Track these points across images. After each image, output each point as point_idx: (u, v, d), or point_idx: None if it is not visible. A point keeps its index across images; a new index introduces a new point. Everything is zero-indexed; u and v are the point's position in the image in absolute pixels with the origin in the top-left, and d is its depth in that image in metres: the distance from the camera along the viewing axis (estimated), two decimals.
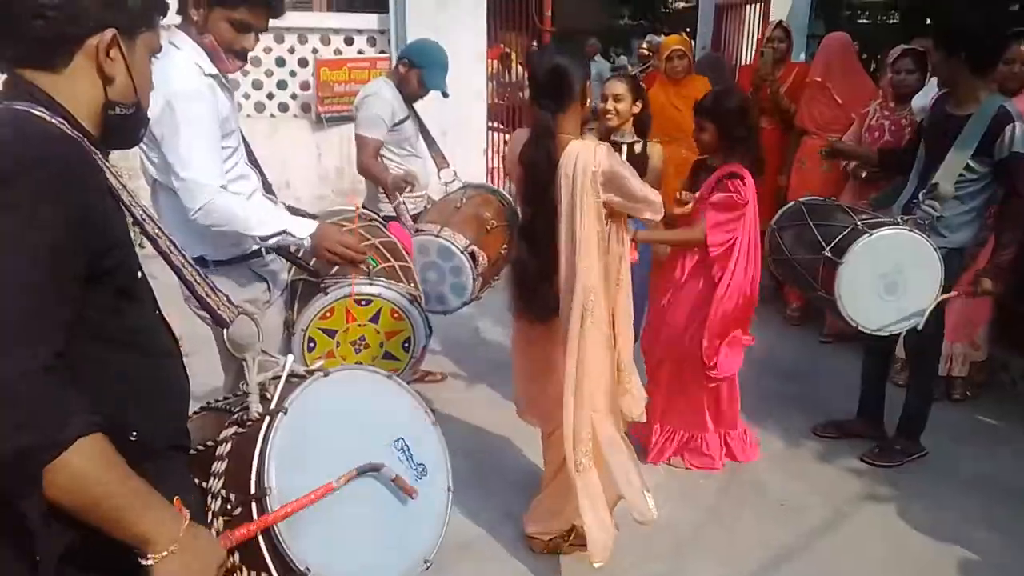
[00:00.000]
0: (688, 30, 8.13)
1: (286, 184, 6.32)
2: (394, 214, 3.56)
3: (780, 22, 5.33)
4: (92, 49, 1.16)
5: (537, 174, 2.34)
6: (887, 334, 3.07)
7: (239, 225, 2.10)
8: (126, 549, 1.06)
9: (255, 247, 2.31)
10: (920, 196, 3.07)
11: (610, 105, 3.44)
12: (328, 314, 2.50)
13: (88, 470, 0.99)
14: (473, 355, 4.55)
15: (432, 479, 1.42)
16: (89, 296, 1.08)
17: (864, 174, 4.22)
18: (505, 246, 3.98)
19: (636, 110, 3.49)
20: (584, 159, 2.28)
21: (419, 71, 3.53)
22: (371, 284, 2.54)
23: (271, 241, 2.18)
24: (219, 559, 1.16)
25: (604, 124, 3.52)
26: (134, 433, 1.13)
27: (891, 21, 10.29)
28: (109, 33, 1.16)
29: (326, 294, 2.49)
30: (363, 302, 2.52)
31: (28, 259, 0.99)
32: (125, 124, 1.24)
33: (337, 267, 2.55)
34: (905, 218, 3.03)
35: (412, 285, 2.71)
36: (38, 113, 1.10)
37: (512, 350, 2.77)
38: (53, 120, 1.11)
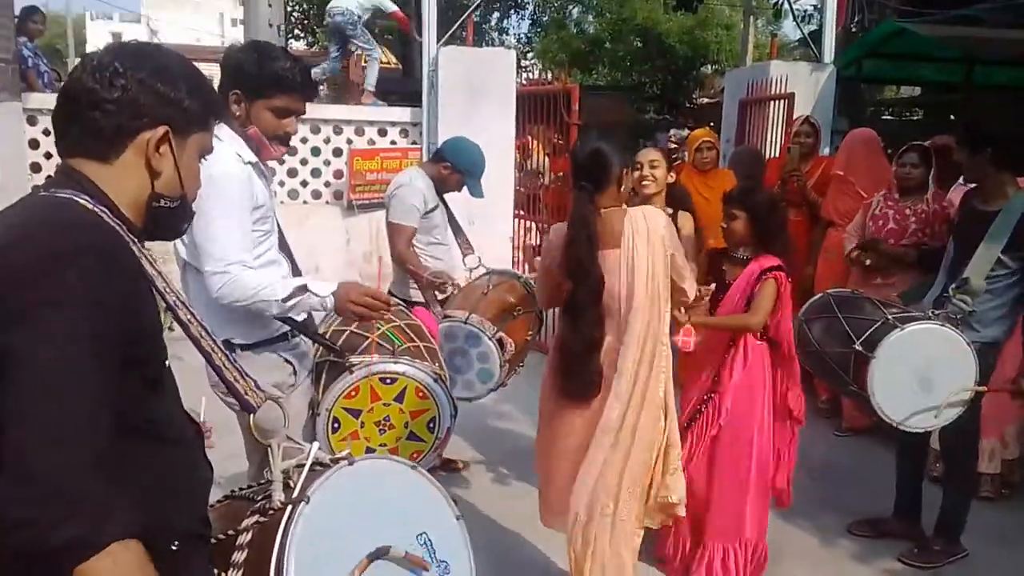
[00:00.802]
0: (712, 124, 8.31)
1: (315, 268, 6.43)
2: (420, 300, 3.60)
3: (807, 117, 5.43)
4: (143, 143, 1.20)
5: (580, 249, 2.43)
6: (921, 430, 2.99)
7: (260, 294, 2.11)
8: None
9: (282, 330, 2.32)
10: (951, 291, 3.04)
11: (647, 172, 3.42)
12: (353, 393, 2.49)
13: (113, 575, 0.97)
14: (498, 443, 4.49)
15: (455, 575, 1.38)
16: (123, 386, 1.08)
17: (868, 263, 4.27)
18: (531, 332, 3.99)
19: (671, 179, 3.52)
20: (652, 216, 2.50)
21: (460, 176, 3.65)
22: (396, 362, 2.55)
23: (291, 303, 2.15)
24: None
25: (641, 193, 3.50)
26: (176, 543, 1.12)
27: (915, 118, 10.44)
28: (161, 129, 1.20)
29: (351, 372, 2.49)
30: (388, 380, 2.52)
31: (69, 357, 1.00)
32: (169, 216, 1.27)
33: (363, 347, 2.56)
34: (937, 312, 2.99)
35: (437, 365, 2.70)
36: (81, 201, 1.13)
37: (546, 446, 2.71)
38: (95, 208, 1.14)
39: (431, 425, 2.65)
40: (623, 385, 2.49)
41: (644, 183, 3.46)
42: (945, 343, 2.87)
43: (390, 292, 3.75)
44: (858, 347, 2.91)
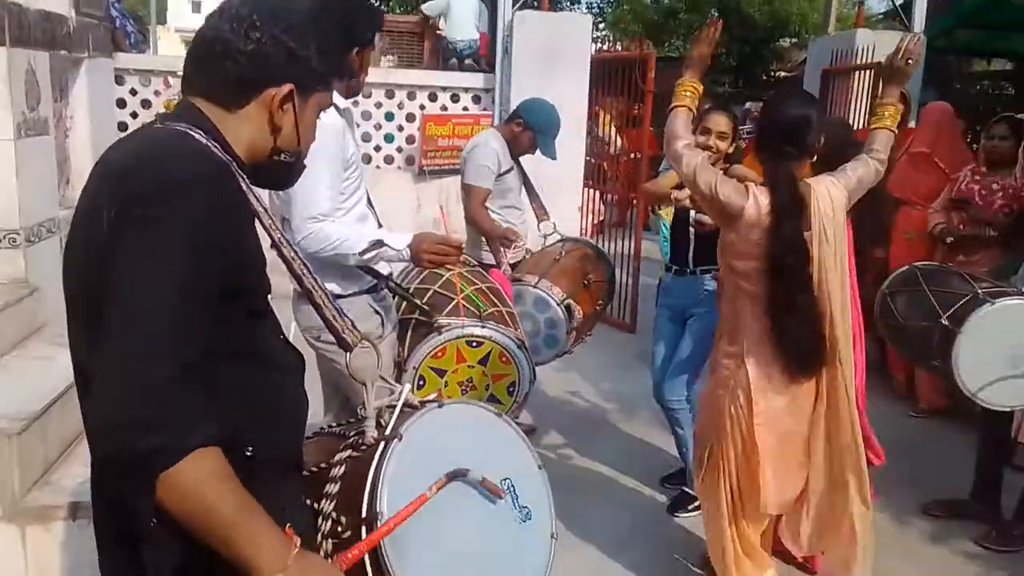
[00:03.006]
0: None
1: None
2: (493, 262, 3.61)
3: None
4: (268, 98, 1.23)
5: (794, 231, 2.28)
6: (1008, 409, 2.93)
7: (340, 246, 2.16)
8: (236, 572, 1.06)
9: (373, 282, 2.37)
10: None
11: (712, 142, 3.14)
12: (440, 353, 2.55)
13: (201, 481, 1.01)
14: (561, 409, 4.52)
15: (536, 523, 1.41)
16: (224, 312, 1.11)
17: (950, 240, 4.15)
18: (600, 302, 3.98)
19: (731, 150, 3.33)
20: (835, 196, 2.33)
21: (532, 134, 3.60)
22: (483, 327, 2.59)
23: (368, 255, 2.21)
24: None
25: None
26: (250, 448, 1.16)
27: (1006, 92, 9.94)
28: (287, 87, 1.23)
29: (440, 333, 2.54)
30: (474, 343, 2.57)
31: (169, 272, 1.03)
32: (284, 170, 1.32)
33: (450, 308, 2.60)
34: None
35: (520, 331, 2.74)
36: (193, 134, 1.17)
37: (760, 438, 2.46)
38: (207, 142, 1.17)
39: (511, 389, 2.69)
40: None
41: (708, 151, 3.11)
42: None
43: (465, 253, 3.78)
44: (944, 321, 2.85)
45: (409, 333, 2.64)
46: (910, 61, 2.54)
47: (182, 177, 1.09)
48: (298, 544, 1.11)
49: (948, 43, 7.56)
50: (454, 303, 2.65)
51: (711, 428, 2.58)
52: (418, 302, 2.61)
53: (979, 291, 2.87)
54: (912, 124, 5.28)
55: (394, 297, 2.54)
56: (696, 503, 3.28)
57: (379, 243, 2.21)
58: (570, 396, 4.70)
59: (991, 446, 3.40)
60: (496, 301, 2.74)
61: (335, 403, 2.52)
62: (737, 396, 2.45)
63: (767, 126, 2.42)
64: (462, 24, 7.80)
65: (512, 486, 1.38)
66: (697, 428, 2.76)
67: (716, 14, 18.71)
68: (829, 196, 2.32)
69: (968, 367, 2.80)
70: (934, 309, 2.92)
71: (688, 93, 2.46)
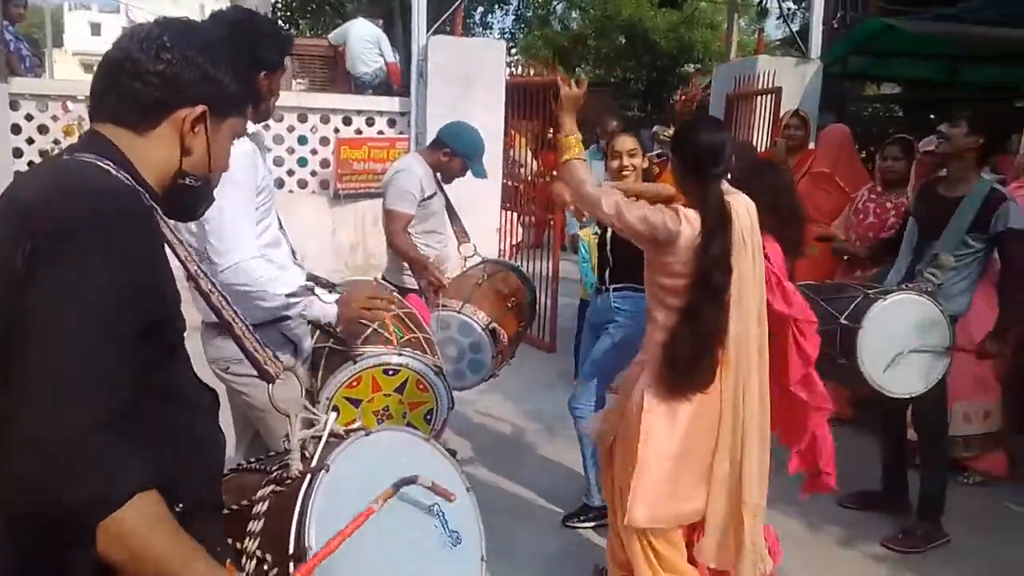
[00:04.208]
0: None
1: (301, 258, 6.41)
2: (413, 287, 3.58)
3: (797, 111, 5.47)
4: (180, 119, 1.20)
5: (724, 243, 2.34)
6: (905, 397, 3.19)
7: (266, 284, 2.10)
8: None
9: (280, 312, 2.31)
10: (922, 266, 3.31)
11: (626, 161, 3.24)
12: (355, 383, 2.49)
13: (140, 527, 0.98)
14: (484, 432, 4.51)
15: (466, 547, 1.40)
16: (143, 350, 1.07)
17: (846, 256, 4.43)
18: (523, 323, 4.00)
19: (645, 165, 3.43)
20: (752, 210, 2.46)
21: (462, 160, 3.61)
22: (400, 354, 2.55)
23: (294, 300, 2.15)
24: None
25: (620, 181, 3.31)
26: (179, 505, 1.12)
27: (896, 114, 10.57)
28: (200, 108, 1.20)
29: (355, 363, 2.48)
30: (390, 371, 2.52)
31: (89, 314, 0.99)
32: (190, 195, 1.27)
33: (365, 336, 2.56)
34: (909, 285, 3.23)
35: (437, 357, 2.71)
36: (103, 165, 1.12)
37: (668, 444, 2.45)
38: (118, 173, 1.13)
39: (428, 417, 2.65)
40: (749, 372, 2.46)
41: (624, 172, 3.32)
42: (923, 312, 3.12)
43: (383, 278, 3.74)
44: (844, 321, 3.09)
45: (323, 363, 2.57)
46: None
47: (97, 211, 1.05)
48: None
49: (843, 68, 7.98)
50: (369, 330, 2.61)
51: (610, 431, 2.62)
52: (333, 331, 2.55)
53: (869, 292, 3.16)
54: (812, 146, 5.54)
55: (307, 325, 2.48)
56: (591, 514, 3.43)
57: (310, 291, 2.16)
58: (493, 418, 4.70)
59: (891, 443, 3.68)
60: (413, 327, 2.71)
61: (247, 438, 2.44)
62: (637, 402, 2.48)
63: (688, 153, 2.48)
64: (362, 57, 7.78)
65: (441, 511, 1.37)
66: (600, 425, 2.77)
67: (624, 40, 19.35)
68: (747, 210, 2.46)
69: (870, 360, 3.06)
70: (830, 314, 3.14)
71: (573, 145, 2.55)
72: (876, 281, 3.59)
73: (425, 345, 2.70)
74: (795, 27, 9.11)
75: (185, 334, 1.23)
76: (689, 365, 2.37)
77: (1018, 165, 4.06)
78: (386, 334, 2.59)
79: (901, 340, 3.09)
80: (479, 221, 6.43)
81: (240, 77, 1.26)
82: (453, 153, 3.60)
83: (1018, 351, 3.89)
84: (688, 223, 2.39)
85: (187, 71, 1.18)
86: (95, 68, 1.23)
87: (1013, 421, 4.06)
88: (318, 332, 2.59)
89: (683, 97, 5.11)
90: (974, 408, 3.94)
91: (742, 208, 2.44)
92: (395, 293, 2.99)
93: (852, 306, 3.13)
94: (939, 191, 3.41)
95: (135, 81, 1.16)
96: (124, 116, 1.18)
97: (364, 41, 7.76)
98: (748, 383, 2.45)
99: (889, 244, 3.85)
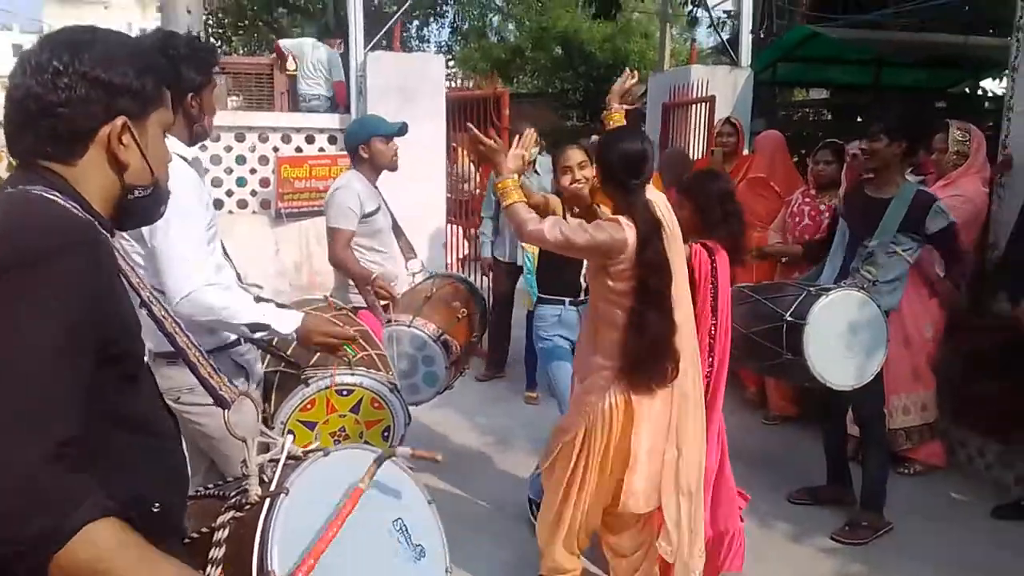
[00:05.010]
0: None
1: (244, 278, 6.31)
2: (362, 304, 3.55)
3: (729, 118, 5.62)
4: (104, 139, 1.16)
5: (658, 246, 2.50)
6: (848, 388, 3.30)
7: (221, 314, 2.07)
8: None
9: (233, 337, 2.28)
10: (857, 264, 3.46)
11: (578, 175, 3.20)
12: (309, 406, 2.47)
13: (99, 556, 0.96)
14: (438, 447, 4.49)
15: (430, 560, 1.41)
16: (100, 380, 1.07)
17: (785, 259, 4.63)
18: (475, 334, 4.02)
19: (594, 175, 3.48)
20: (663, 200, 2.64)
21: (378, 139, 3.53)
22: (352, 374, 2.53)
23: (254, 333, 2.15)
24: None
25: (572, 193, 3.30)
26: (152, 520, 1.11)
27: (825, 119, 10.90)
28: (119, 121, 1.17)
29: (307, 385, 2.45)
30: (344, 392, 2.50)
31: (41, 346, 0.98)
32: (145, 205, 1.25)
33: (316, 357, 2.54)
34: (848, 283, 3.39)
35: (391, 374, 2.70)
36: (51, 197, 1.10)
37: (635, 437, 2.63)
38: (67, 204, 1.11)
39: (385, 434, 2.65)
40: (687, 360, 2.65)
41: (576, 184, 3.26)
42: (862, 307, 3.27)
43: (332, 297, 3.71)
44: (789, 318, 3.21)
45: (275, 387, 2.55)
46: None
47: (49, 243, 1.03)
48: None
49: (772, 75, 8.22)
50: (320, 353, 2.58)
51: (577, 426, 2.68)
52: (283, 354, 2.52)
53: (811, 290, 3.29)
54: (747, 152, 5.70)
55: (257, 350, 2.46)
56: None
57: (266, 326, 2.13)
58: (446, 433, 4.69)
59: (834, 438, 3.79)
60: (365, 345, 2.70)
61: (201, 468, 2.40)
62: (615, 404, 2.60)
63: (614, 163, 2.58)
64: (312, 79, 7.66)
65: (404, 526, 1.38)
66: (563, 422, 2.82)
67: (560, 51, 19.59)
68: (665, 204, 2.66)
69: (817, 354, 3.18)
70: (775, 312, 3.28)
71: (511, 188, 2.68)
72: (810, 280, 3.72)
73: (378, 362, 2.69)
74: (725, 36, 9.33)
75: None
76: (656, 362, 2.53)
77: (940, 164, 4.24)
78: (338, 353, 2.58)
79: (843, 335, 3.22)
80: (425, 236, 6.45)
81: (147, 70, 1.21)
82: (367, 142, 3.52)
83: (948, 342, 4.08)
84: (631, 228, 2.51)
85: (91, 90, 1.13)
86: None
87: (948, 412, 4.23)
88: (268, 357, 2.56)
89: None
90: (912, 400, 4.09)
91: (661, 204, 2.63)
92: (348, 311, 2.98)
93: (796, 303, 3.25)
94: (868, 193, 3.56)
95: (45, 118, 1.12)
96: (50, 152, 1.15)
97: (318, 63, 7.65)
98: (686, 370, 2.63)
99: (822, 244, 4.00)
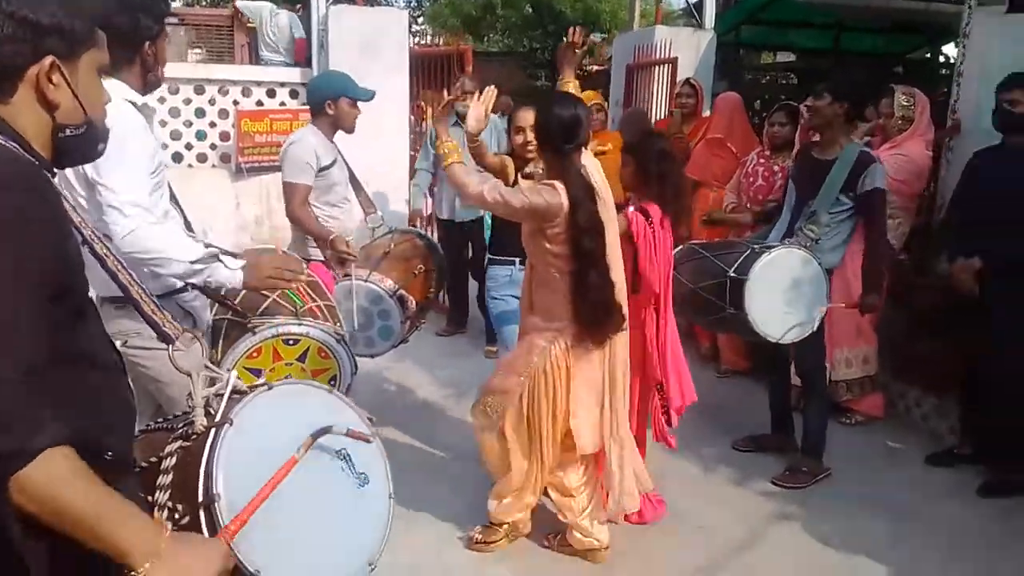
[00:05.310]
0: (601, 90, 8.52)
1: (204, 233, 6.22)
2: (319, 258, 3.57)
3: (688, 79, 5.68)
4: (32, 78, 1.17)
5: (591, 209, 2.59)
6: (787, 342, 3.44)
7: (167, 251, 2.07)
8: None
9: (180, 284, 2.30)
10: (801, 223, 3.54)
11: (529, 136, 3.21)
12: (255, 354, 2.51)
13: (55, 480, 1.01)
14: (398, 400, 4.58)
15: (374, 486, 1.49)
16: (54, 313, 1.11)
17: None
18: (432, 290, 4.08)
19: None
20: (596, 164, 2.73)
21: (343, 99, 3.53)
22: (299, 324, 2.57)
23: (199, 267, 2.12)
24: (216, 562, 1.16)
25: (525, 155, 3.40)
26: (109, 453, 1.16)
27: (790, 82, 11.00)
28: (48, 61, 1.17)
29: (254, 334, 2.49)
30: (291, 341, 2.55)
31: (2, 276, 1.02)
32: (79, 143, 1.26)
33: (264, 307, 2.58)
34: (790, 241, 3.50)
35: (338, 324, 2.75)
36: None
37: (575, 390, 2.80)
38: (7, 143, 1.14)
39: (332, 382, 2.70)
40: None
41: (529, 147, 3.31)
42: (804, 264, 3.38)
43: (289, 252, 3.73)
44: (732, 274, 3.33)
45: (222, 335, 2.58)
46: (576, 50, 3.04)
47: None
48: (169, 528, 1.12)
49: (736, 38, 8.29)
50: (268, 301, 2.61)
51: (519, 386, 2.81)
52: (230, 303, 2.54)
53: (755, 247, 3.40)
54: (708, 113, 5.78)
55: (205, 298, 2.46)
56: None
57: (214, 256, 2.12)
58: (406, 386, 4.77)
59: (777, 389, 3.97)
60: (314, 295, 2.73)
61: (149, 410, 2.44)
62: (555, 363, 2.74)
63: (549, 128, 2.65)
64: (272, 44, 7.47)
65: (348, 455, 1.45)
66: (500, 381, 2.92)
67: (531, 9, 19.37)
68: (596, 168, 2.74)
69: (757, 309, 3.31)
70: (720, 268, 3.40)
71: (450, 150, 2.77)
72: (762, 239, 3.83)
73: (327, 312, 2.74)
74: None
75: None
76: (609, 315, 2.68)
77: (886, 128, 4.37)
78: (286, 304, 2.61)
79: (784, 291, 3.34)
80: (388, 191, 6.45)
81: (78, 9, 1.21)
82: (332, 99, 3.52)
83: (890, 300, 4.23)
84: (563, 193, 2.60)
85: (16, 29, 1.13)
86: None
87: (889, 367, 4.41)
88: (216, 305, 2.58)
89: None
90: (854, 354, 4.26)
91: (593, 168, 2.71)
92: (300, 260, 3.00)
93: (740, 260, 3.37)
94: (813, 154, 3.66)
95: None
96: None
97: (278, 30, 7.46)
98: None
99: (771, 210, 4.14)
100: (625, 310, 2.78)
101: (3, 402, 0.98)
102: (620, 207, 3.29)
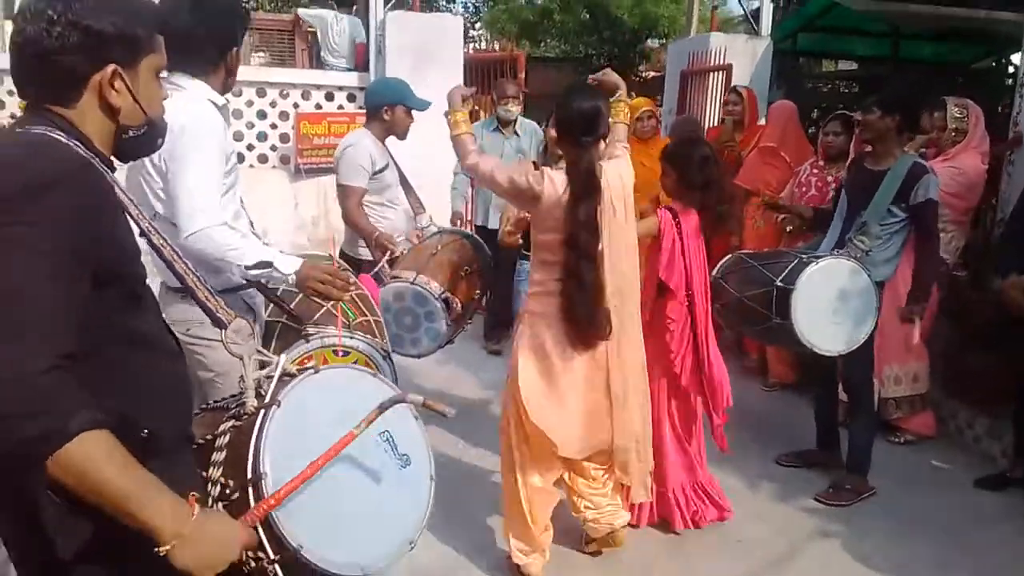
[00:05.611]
0: (657, 97, 8.51)
1: (264, 233, 6.39)
2: (370, 258, 3.68)
3: (735, 87, 5.66)
4: (96, 84, 1.25)
5: (590, 205, 2.59)
6: (835, 354, 3.41)
7: (227, 254, 2.15)
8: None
9: (240, 281, 2.39)
10: (852, 234, 3.47)
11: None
12: (306, 360, 2.54)
13: (88, 460, 1.07)
14: (443, 402, 4.61)
15: (415, 468, 1.55)
16: (103, 299, 1.18)
17: (790, 228, 4.62)
18: (478, 291, 4.13)
19: None
20: (626, 176, 2.72)
21: (401, 107, 3.67)
22: (351, 337, 2.63)
23: (254, 272, 2.21)
24: (238, 541, 1.22)
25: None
26: (145, 431, 1.23)
27: (851, 91, 10.79)
28: (110, 69, 1.25)
29: (308, 341, 2.53)
30: (341, 353, 2.60)
31: (41, 266, 1.08)
32: (140, 142, 1.36)
33: (318, 315, 2.64)
34: (840, 252, 3.45)
35: (385, 340, 2.82)
36: (55, 136, 1.21)
37: (554, 391, 2.78)
38: (69, 142, 1.21)
39: None
40: (630, 323, 2.80)
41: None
42: (852, 275, 3.34)
43: (341, 252, 3.84)
44: (779, 283, 3.32)
45: (275, 336, 2.64)
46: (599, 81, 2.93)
47: (44, 179, 1.12)
48: (196, 509, 1.17)
49: (793, 45, 8.17)
50: (323, 310, 2.65)
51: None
52: (286, 307, 2.60)
53: (803, 257, 3.38)
54: (762, 122, 5.73)
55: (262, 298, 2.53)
56: None
57: (268, 264, 2.20)
58: (451, 387, 4.83)
59: (824, 403, 3.90)
60: (365, 310, 2.79)
61: (198, 401, 2.51)
62: (527, 352, 2.79)
63: (565, 119, 2.69)
64: (338, 49, 7.63)
65: (390, 436, 1.52)
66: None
67: (588, 15, 19.36)
68: (620, 177, 2.71)
69: (804, 319, 3.28)
70: (767, 278, 3.38)
71: (460, 121, 2.81)
72: (812, 249, 3.79)
73: (375, 327, 2.81)
74: (754, 5, 9.27)
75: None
76: (588, 316, 2.66)
77: (939, 141, 4.28)
78: (340, 316, 2.67)
79: (831, 301, 3.31)
80: (438, 193, 6.54)
81: (136, 16, 1.27)
82: (390, 106, 3.66)
83: (943, 319, 4.14)
84: (551, 183, 2.62)
85: (81, 38, 1.20)
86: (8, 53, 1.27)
87: (940, 384, 4.31)
88: (271, 307, 2.64)
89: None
90: (904, 371, 4.18)
91: (614, 174, 2.69)
92: (351, 274, 3.09)
93: (787, 270, 3.35)
94: (866, 165, 3.61)
95: (43, 63, 1.21)
96: (50, 96, 1.25)
97: (342, 35, 7.62)
98: (626, 331, 2.77)
99: (829, 213, 4.03)
100: (615, 318, 2.72)
101: (35, 390, 1.04)
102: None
